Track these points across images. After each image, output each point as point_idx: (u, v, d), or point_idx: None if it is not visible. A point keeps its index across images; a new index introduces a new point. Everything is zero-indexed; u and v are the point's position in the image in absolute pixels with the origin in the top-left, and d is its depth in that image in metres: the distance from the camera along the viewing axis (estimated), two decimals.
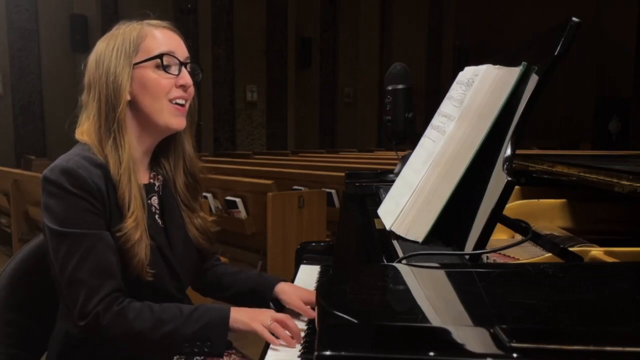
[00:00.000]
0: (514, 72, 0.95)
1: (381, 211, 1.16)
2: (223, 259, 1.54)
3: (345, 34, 11.90)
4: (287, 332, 1.16)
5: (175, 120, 1.23)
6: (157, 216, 1.28)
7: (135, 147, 1.22)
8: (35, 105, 8.43)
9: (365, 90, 12.14)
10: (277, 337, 1.15)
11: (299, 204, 3.82)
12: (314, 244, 1.84)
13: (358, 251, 1.45)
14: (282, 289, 1.35)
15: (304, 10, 11.05)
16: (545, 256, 0.97)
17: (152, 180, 1.30)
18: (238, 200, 3.88)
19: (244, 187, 4.00)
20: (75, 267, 1.11)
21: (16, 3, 8.10)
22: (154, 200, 1.29)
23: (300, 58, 11.12)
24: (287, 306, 1.33)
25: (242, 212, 3.90)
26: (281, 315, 1.19)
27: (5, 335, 1.34)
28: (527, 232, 0.98)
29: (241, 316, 1.17)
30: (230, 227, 4.00)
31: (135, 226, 1.16)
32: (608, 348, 0.53)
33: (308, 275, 1.65)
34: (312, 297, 1.31)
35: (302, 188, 4.30)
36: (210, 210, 3.94)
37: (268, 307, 1.37)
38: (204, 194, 4.07)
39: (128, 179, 1.17)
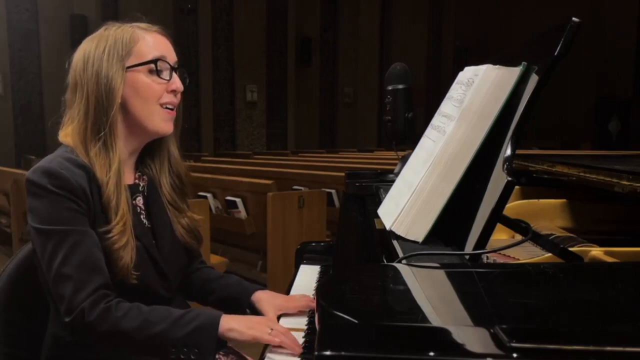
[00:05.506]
0: (514, 72, 0.95)
1: (381, 211, 1.16)
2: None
3: (345, 34, 11.89)
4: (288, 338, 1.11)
5: (165, 124, 1.24)
6: (142, 216, 1.28)
7: (122, 149, 1.22)
8: (35, 105, 8.43)
9: (365, 90, 12.13)
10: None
11: (299, 204, 3.81)
12: (314, 244, 1.84)
13: (358, 251, 1.45)
14: (259, 298, 1.33)
15: (304, 10, 11.05)
16: (545, 256, 0.97)
17: (137, 181, 1.30)
18: (238, 200, 3.88)
19: (244, 187, 3.99)
20: (61, 263, 1.10)
21: (16, 3, 8.10)
22: (139, 201, 1.29)
23: (300, 58, 11.12)
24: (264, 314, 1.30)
25: (242, 212, 3.90)
26: (279, 328, 1.14)
27: (5, 335, 1.34)
28: (527, 232, 0.97)
29: (238, 325, 1.12)
30: (230, 227, 4.00)
31: (122, 231, 1.16)
32: (608, 348, 0.53)
33: (308, 275, 1.65)
34: (288, 305, 1.30)
35: (302, 188, 4.30)
36: (210, 210, 3.94)
37: (245, 314, 1.34)
38: (204, 193, 4.07)
39: (116, 183, 1.17)
